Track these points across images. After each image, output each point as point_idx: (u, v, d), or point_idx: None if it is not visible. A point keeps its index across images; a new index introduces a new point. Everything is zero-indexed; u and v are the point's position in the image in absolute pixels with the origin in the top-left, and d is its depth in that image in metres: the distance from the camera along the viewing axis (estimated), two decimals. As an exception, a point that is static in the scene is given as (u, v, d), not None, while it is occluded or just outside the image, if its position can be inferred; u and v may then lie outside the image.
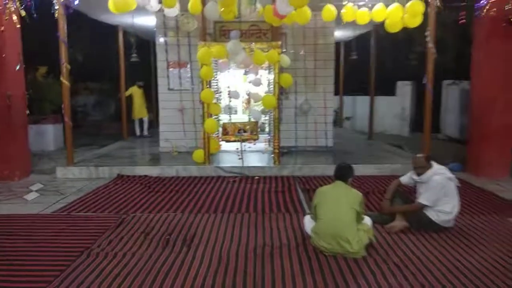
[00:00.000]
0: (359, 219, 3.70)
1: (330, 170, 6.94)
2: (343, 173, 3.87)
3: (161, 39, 8.29)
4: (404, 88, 13.14)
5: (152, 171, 6.98)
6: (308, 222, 3.99)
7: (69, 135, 7.16)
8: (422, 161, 4.33)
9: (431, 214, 4.27)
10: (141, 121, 11.10)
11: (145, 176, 6.86)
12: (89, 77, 16.46)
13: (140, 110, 10.89)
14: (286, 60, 6.81)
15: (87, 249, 3.81)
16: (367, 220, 3.94)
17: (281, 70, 7.12)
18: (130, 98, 11.01)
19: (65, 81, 6.95)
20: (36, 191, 6.05)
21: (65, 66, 6.91)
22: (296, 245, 3.89)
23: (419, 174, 4.37)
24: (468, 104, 10.70)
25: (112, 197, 5.67)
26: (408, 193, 4.91)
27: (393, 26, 6.08)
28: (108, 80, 15.58)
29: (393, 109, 13.25)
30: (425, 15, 6.06)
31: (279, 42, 6.76)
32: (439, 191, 4.21)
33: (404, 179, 4.66)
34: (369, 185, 6.29)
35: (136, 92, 10.88)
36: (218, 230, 4.34)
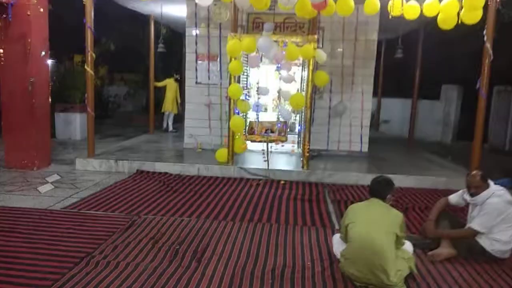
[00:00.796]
0: (398, 244, 3.12)
1: (364, 179, 6.36)
2: (380, 189, 3.28)
3: (191, 30, 7.90)
4: (450, 92, 12.17)
5: (173, 168, 6.61)
6: (337, 243, 3.45)
7: (91, 126, 6.91)
8: (477, 180, 3.67)
9: (484, 243, 3.61)
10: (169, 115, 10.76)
11: (165, 173, 6.50)
12: (124, 67, 16.50)
13: (170, 103, 10.51)
14: (322, 56, 6.23)
15: (88, 255, 3.44)
16: (408, 246, 3.35)
17: (316, 67, 6.56)
18: (162, 90, 10.72)
19: (89, 69, 6.70)
20: (52, 182, 5.82)
21: (90, 54, 6.66)
22: (321, 269, 3.36)
23: (472, 195, 3.72)
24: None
25: (127, 195, 5.33)
26: (456, 213, 4.25)
27: (447, 21, 5.37)
28: (141, 71, 15.48)
29: (436, 114, 12.32)
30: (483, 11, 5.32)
31: (315, 36, 6.18)
32: (495, 217, 3.55)
33: (454, 199, 4.01)
34: (408, 199, 5.63)
35: (171, 85, 10.49)
36: (234, 243, 3.86)
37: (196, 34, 7.86)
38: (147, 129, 10.59)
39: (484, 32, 6.03)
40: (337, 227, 4.39)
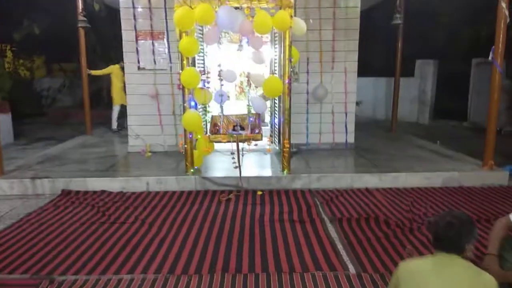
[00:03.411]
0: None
1: (360, 181, 5.04)
2: (454, 238, 1.86)
3: (127, 1, 6.13)
4: (425, 68, 11.19)
5: (113, 184, 4.97)
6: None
7: (-6, 134, 5.09)
8: None
9: None
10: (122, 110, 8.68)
11: (102, 192, 4.86)
12: (61, 56, 14.20)
13: (119, 95, 8.49)
14: (301, 26, 4.77)
15: None
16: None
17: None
18: (107, 80, 8.72)
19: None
20: None
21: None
22: None
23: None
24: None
25: (41, 236, 3.67)
26: None
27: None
28: (78, 59, 13.28)
29: (411, 92, 11.33)
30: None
31: (292, 0, 4.70)
32: None
33: (521, 220, 2.75)
34: (426, 206, 4.37)
35: (117, 73, 8.48)
36: (203, 324, 2.39)
37: (134, 6, 6.11)
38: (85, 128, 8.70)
39: (499, -12, 4.81)
40: (352, 270, 3.03)
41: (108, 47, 12.73)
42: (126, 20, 6.20)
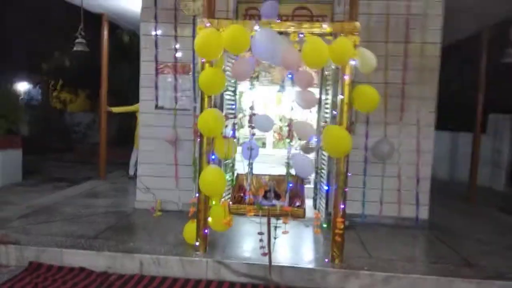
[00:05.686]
0: None
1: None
2: None
3: (148, 26, 5.11)
4: (500, 124, 9.42)
5: (96, 260, 3.64)
6: None
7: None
8: None
9: None
10: None
11: (81, 270, 3.55)
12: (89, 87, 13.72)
13: None
14: (369, 58, 3.41)
15: None
16: None
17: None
18: (133, 119, 7.73)
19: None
20: None
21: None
22: None
23: None
24: None
25: None
26: None
27: None
28: (116, 93, 12.62)
29: (482, 151, 9.51)
30: None
31: (357, 24, 3.40)
32: None
33: None
34: None
35: None
36: None
37: (156, 33, 5.07)
38: (108, 170, 7.52)
39: None
40: None
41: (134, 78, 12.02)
42: (145, 49, 5.15)
